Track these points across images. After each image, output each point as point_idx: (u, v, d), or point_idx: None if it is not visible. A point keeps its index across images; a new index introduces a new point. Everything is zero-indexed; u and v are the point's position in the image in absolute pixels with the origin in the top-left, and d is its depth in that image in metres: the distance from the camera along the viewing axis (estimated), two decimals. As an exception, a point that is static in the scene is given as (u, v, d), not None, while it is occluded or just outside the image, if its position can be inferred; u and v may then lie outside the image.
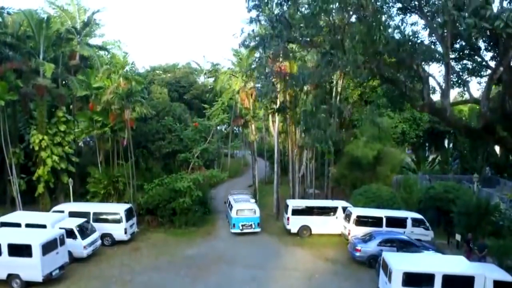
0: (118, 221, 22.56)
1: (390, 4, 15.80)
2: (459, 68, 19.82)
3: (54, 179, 27.16)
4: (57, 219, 20.59)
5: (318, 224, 24.60)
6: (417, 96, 16.25)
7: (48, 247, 16.84)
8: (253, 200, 27.79)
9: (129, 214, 23.32)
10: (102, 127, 29.08)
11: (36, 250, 16.26)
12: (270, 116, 32.52)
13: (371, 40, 12.73)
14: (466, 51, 18.80)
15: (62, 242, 17.83)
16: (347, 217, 23.21)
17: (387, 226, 22.31)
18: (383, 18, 15.00)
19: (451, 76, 17.09)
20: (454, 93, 24.49)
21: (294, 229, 24.60)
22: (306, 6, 14.20)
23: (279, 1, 13.50)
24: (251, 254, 21.65)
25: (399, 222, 22.60)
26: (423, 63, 15.93)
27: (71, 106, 31.13)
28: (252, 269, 19.43)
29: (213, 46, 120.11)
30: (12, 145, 26.60)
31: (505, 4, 13.64)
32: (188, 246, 22.95)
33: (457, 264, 16.02)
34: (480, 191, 27.79)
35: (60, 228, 19.16)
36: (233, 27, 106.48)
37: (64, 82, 29.32)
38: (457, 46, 18.42)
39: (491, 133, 16.11)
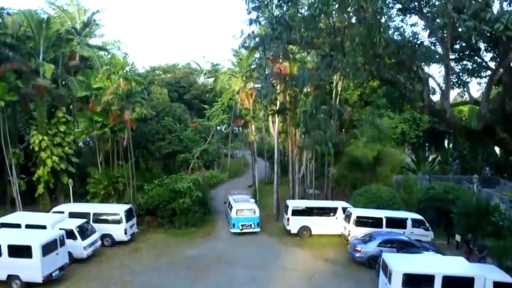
0: (118, 221, 22.57)
1: (390, 5, 15.80)
2: (459, 69, 19.81)
3: (54, 179, 27.17)
4: (57, 219, 20.59)
5: (318, 225, 24.62)
6: (417, 98, 16.25)
7: (48, 248, 16.84)
8: (253, 200, 27.83)
9: (129, 214, 23.33)
10: (102, 128, 29.09)
11: (36, 251, 16.27)
12: (270, 116, 32.54)
13: (371, 42, 12.74)
14: (466, 52, 18.79)
15: (62, 243, 17.83)
16: (347, 217, 23.22)
17: (387, 226, 22.32)
18: (383, 19, 15.02)
19: (451, 77, 17.09)
20: (454, 94, 24.50)
21: (294, 230, 24.62)
22: (306, 7, 14.22)
23: (279, 3, 13.50)
24: (251, 255, 21.66)
25: (399, 223, 22.61)
26: (423, 64, 15.93)
27: (71, 107, 31.11)
28: (252, 270, 19.44)
29: (213, 46, 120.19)
30: (12, 145, 26.60)
31: (505, 5, 13.66)
32: (188, 246, 22.96)
33: (457, 265, 16.04)
34: (480, 191, 27.78)
35: (60, 229, 19.17)
36: (233, 27, 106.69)
37: (64, 82, 29.30)
38: (457, 46, 18.42)
39: (491, 135, 16.12)
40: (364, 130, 31.04)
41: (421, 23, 17.04)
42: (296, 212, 24.63)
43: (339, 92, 29.05)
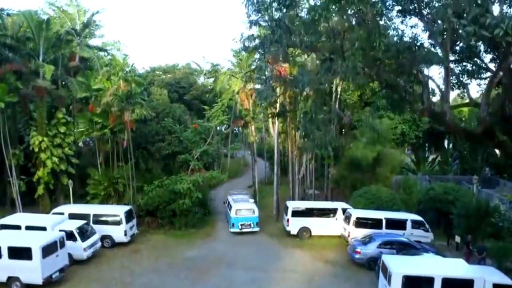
0: (118, 223, 22.58)
1: (390, 7, 15.80)
2: (459, 70, 19.81)
3: (54, 180, 27.20)
4: (57, 221, 20.58)
5: (318, 226, 24.63)
6: (417, 100, 16.26)
7: (48, 249, 16.86)
8: (252, 200, 27.90)
9: (129, 216, 23.34)
10: (102, 129, 29.10)
11: (36, 253, 16.28)
12: (270, 118, 32.54)
13: (371, 46, 12.74)
14: (466, 53, 18.79)
15: (62, 245, 17.84)
16: (347, 218, 23.24)
17: (386, 228, 22.34)
18: (383, 21, 15.03)
19: (451, 78, 17.10)
20: (454, 94, 24.49)
21: (294, 231, 24.63)
22: (306, 11, 14.22)
23: (278, 6, 13.50)
24: (251, 256, 21.68)
25: (399, 224, 22.64)
26: (422, 65, 15.94)
27: (70, 108, 31.10)
28: (252, 271, 19.45)
29: (212, 47, 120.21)
30: (12, 146, 26.60)
31: (505, 8, 13.66)
32: (188, 247, 22.97)
33: (456, 267, 16.04)
34: (479, 192, 27.80)
35: (60, 230, 19.20)
36: (233, 27, 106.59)
37: (64, 83, 29.29)
38: (457, 48, 18.42)
39: (490, 138, 16.14)
40: (364, 131, 31.06)
41: (421, 24, 17.07)
42: (296, 213, 24.65)
43: (339, 94, 29.05)
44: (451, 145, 44.89)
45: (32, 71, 25.95)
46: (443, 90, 16.21)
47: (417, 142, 41.50)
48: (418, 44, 15.43)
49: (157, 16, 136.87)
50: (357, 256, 20.21)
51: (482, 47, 18.26)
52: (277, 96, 25.97)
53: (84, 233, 20.34)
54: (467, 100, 20.30)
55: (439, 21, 12.79)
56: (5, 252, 16.58)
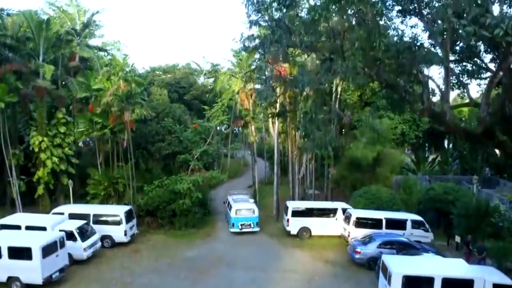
0: (118, 223, 22.59)
1: (390, 7, 15.79)
2: (459, 70, 19.81)
3: (54, 180, 27.20)
4: (57, 221, 20.59)
5: (318, 226, 24.64)
6: (417, 100, 16.26)
7: (48, 249, 16.87)
8: (252, 200, 27.92)
9: (129, 216, 23.34)
10: (102, 129, 29.10)
11: (36, 253, 16.29)
12: (270, 118, 32.55)
13: (371, 46, 12.75)
14: (466, 53, 18.79)
15: (62, 245, 17.85)
16: (347, 218, 23.24)
17: (386, 228, 22.34)
18: (383, 21, 15.02)
19: (451, 78, 17.09)
20: (454, 94, 24.51)
21: (294, 231, 24.63)
22: (306, 11, 14.22)
23: (278, 6, 13.50)
24: (251, 256, 21.68)
25: (399, 224, 22.64)
26: (422, 65, 15.94)
27: (70, 108, 31.11)
28: (252, 271, 19.46)
29: (212, 47, 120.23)
30: (12, 146, 26.60)
31: (505, 8, 13.66)
32: (188, 248, 22.97)
33: (456, 267, 16.05)
34: (479, 192, 27.81)
35: (60, 230, 19.20)
36: (233, 27, 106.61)
37: (63, 83, 29.29)
38: (457, 48, 18.42)
39: (490, 138, 16.14)
40: (364, 131, 31.07)
41: (421, 24, 17.07)
42: (296, 213, 24.65)
43: (338, 94, 29.05)
44: (451, 145, 44.91)
45: (32, 71, 25.95)
46: (443, 90, 16.21)
47: (417, 142, 41.51)
48: (418, 44, 15.43)
49: (157, 16, 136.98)
50: (357, 256, 20.21)
51: (482, 47, 18.28)
52: (277, 96, 25.99)
53: (84, 233, 20.35)
54: (467, 100, 20.30)
55: (439, 21, 12.78)
56: (5, 252, 16.59)
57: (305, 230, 24.61)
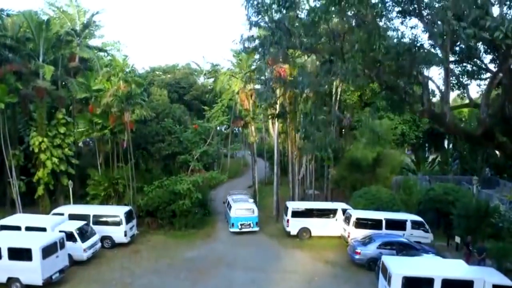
0: (118, 223, 22.59)
1: (390, 8, 15.79)
2: (459, 71, 19.81)
3: (54, 181, 27.21)
4: (57, 222, 20.58)
5: (318, 226, 24.65)
6: (417, 101, 16.26)
7: (48, 250, 16.88)
8: (252, 200, 27.95)
9: (129, 216, 23.35)
10: (102, 129, 29.12)
11: (36, 254, 16.31)
12: (270, 119, 32.55)
13: (371, 48, 12.75)
14: (466, 54, 18.78)
15: (62, 246, 17.86)
16: (347, 219, 23.25)
17: (386, 228, 22.35)
18: (382, 23, 15.01)
19: (451, 79, 17.09)
20: (454, 95, 24.51)
21: (293, 231, 24.64)
22: (306, 12, 14.21)
23: (278, 8, 13.50)
24: (250, 256, 21.70)
25: (399, 225, 22.65)
26: (422, 66, 15.93)
27: (70, 108, 31.12)
28: (252, 272, 19.47)
29: (212, 47, 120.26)
30: (12, 147, 26.60)
31: (505, 9, 13.65)
32: (188, 248, 22.98)
33: (456, 268, 16.07)
34: (479, 192, 27.82)
35: (60, 231, 19.21)
36: (233, 27, 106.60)
37: (63, 84, 29.31)
38: (457, 48, 18.41)
39: (490, 139, 16.14)
40: (364, 131, 31.09)
41: (421, 25, 17.07)
42: (296, 214, 24.66)
43: (338, 94, 29.04)
44: (451, 145, 44.92)
45: (32, 72, 25.95)
46: (443, 91, 16.21)
47: (417, 142, 41.53)
48: (418, 45, 15.44)
49: (157, 16, 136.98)
50: (357, 256, 20.22)
51: (482, 48, 18.27)
52: (277, 98, 25.99)
53: (84, 233, 20.36)
54: (467, 101, 20.29)
55: (439, 22, 12.77)
56: (5, 253, 16.60)
57: (305, 230, 24.62)
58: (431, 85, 17.14)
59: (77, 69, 30.17)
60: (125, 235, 22.67)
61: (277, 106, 28.23)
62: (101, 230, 21.93)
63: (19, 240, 17.52)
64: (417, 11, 15.67)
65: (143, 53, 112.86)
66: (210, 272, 19.58)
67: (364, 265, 20.00)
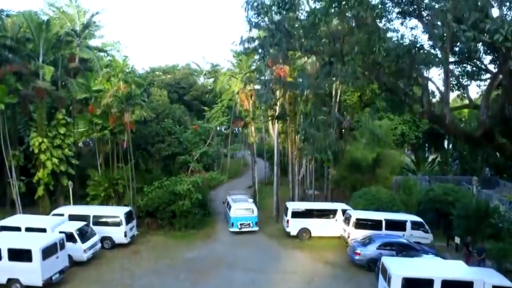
0: (118, 224, 22.60)
1: (389, 9, 15.79)
2: (459, 72, 19.79)
3: (54, 181, 27.19)
4: (57, 222, 20.59)
5: (318, 227, 24.65)
6: (416, 102, 16.26)
7: (48, 251, 16.89)
8: (251, 200, 28.00)
9: (129, 217, 23.36)
10: (102, 130, 29.13)
11: (36, 255, 16.32)
12: (269, 120, 32.56)
13: (371, 51, 12.75)
14: (466, 55, 18.77)
15: (62, 246, 17.87)
16: (347, 219, 23.26)
17: (386, 229, 22.36)
18: (382, 24, 15.00)
19: (450, 80, 17.07)
20: (453, 95, 24.50)
21: (293, 232, 24.65)
22: (306, 14, 14.21)
23: (278, 10, 13.50)
24: (250, 257, 21.70)
25: (399, 225, 22.67)
26: (422, 67, 15.93)
27: (70, 109, 31.11)
28: (252, 273, 19.48)
29: (212, 47, 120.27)
30: (11, 147, 26.60)
31: (504, 10, 13.65)
32: (188, 249, 22.99)
33: (456, 269, 16.09)
34: (479, 193, 27.83)
35: (60, 232, 19.22)
36: (233, 27, 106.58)
37: (63, 84, 29.29)
38: (457, 49, 18.40)
39: (490, 141, 16.13)
40: (364, 132, 31.10)
41: (421, 26, 17.06)
42: (295, 214, 24.67)
43: (338, 95, 29.04)
44: (451, 146, 44.91)
45: (32, 72, 25.94)
46: (442, 92, 16.20)
47: (417, 142, 41.53)
48: (418, 46, 15.43)
49: (157, 17, 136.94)
50: (356, 257, 20.23)
51: (482, 49, 18.25)
52: (277, 99, 25.99)
53: (84, 234, 20.37)
54: (466, 102, 20.27)
55: (439, 23, 12.78)
56: (5, 254, 16.61)
57: (305, 231, 24.63)
58: (431, 86, 17.14)
59: (77, 69, 30.15)
60: (125, 235, 22.67)
61: (277, 108, 28.22)
62: (101, 231, 21.93)
63: (19, 241, 17.53)
64: (417, 12, 15.67)
65: (143, 53, 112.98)
66: (210, 272, 19.59)
67: (364, 265, 20.00)
